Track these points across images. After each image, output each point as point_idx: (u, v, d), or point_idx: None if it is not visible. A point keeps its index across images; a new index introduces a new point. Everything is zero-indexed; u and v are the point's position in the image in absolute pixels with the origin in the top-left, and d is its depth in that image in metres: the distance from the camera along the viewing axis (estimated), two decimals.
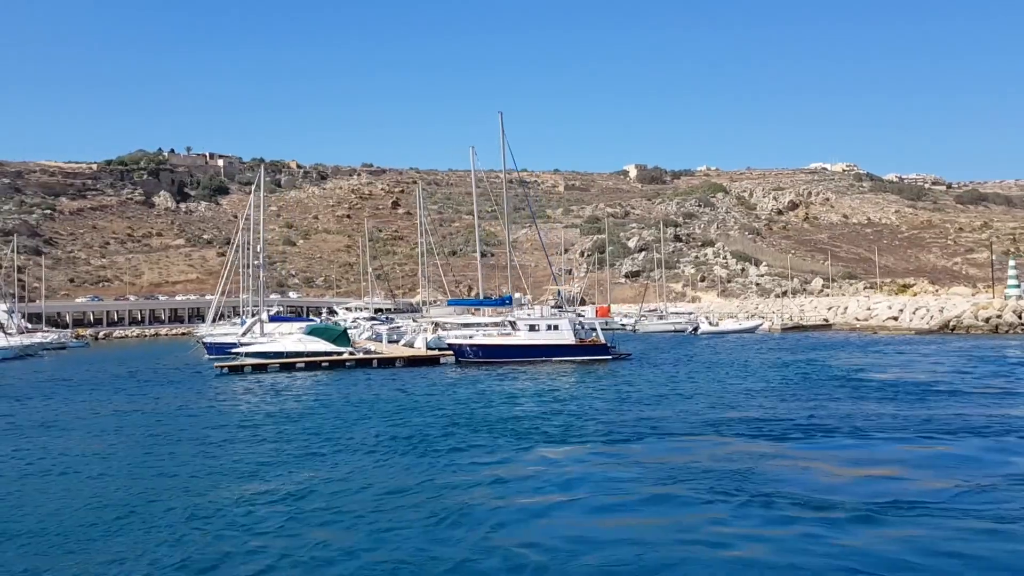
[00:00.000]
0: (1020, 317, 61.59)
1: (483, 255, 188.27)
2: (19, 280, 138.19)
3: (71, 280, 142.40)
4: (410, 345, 58.50)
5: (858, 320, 74.72)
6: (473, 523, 12.76)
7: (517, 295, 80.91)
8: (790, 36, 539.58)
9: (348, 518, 13.34)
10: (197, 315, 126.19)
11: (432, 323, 63.73)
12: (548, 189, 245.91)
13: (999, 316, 62.23)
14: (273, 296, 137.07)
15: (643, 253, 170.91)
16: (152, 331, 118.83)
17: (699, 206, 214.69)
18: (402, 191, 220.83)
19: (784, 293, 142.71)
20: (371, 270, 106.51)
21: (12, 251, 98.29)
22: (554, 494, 14.44)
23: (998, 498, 13.35)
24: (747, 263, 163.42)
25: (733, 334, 74.60)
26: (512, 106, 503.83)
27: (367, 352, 51.02)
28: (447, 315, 67.59)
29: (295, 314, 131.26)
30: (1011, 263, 71.73)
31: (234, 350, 48.98)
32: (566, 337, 46.58)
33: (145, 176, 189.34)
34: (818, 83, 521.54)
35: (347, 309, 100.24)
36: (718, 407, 25.12)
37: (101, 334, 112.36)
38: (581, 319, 50.53)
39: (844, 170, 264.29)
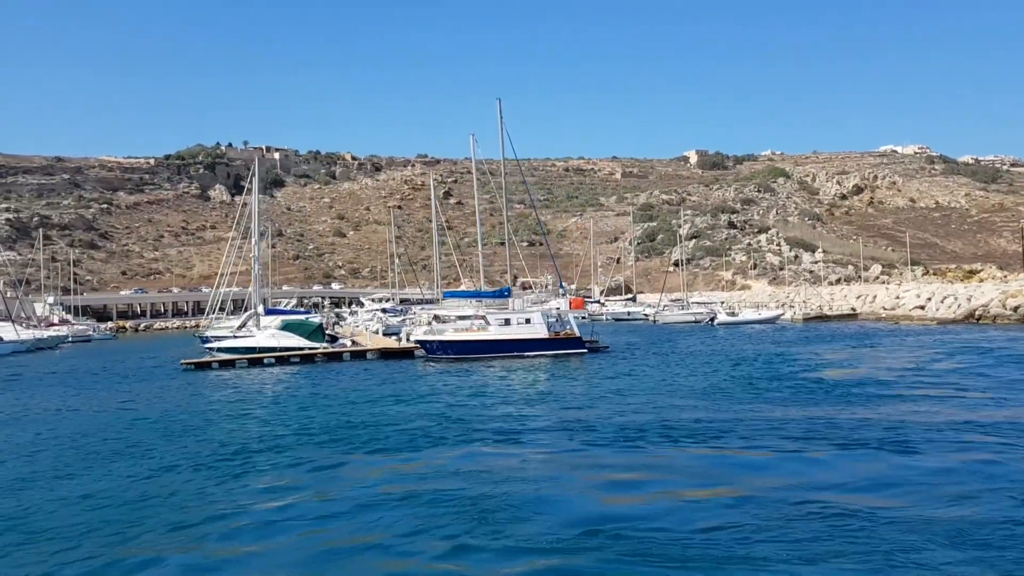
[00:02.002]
0: None
1: (530, 244, 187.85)
2: (73, 273, 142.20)
3: (123, 273, 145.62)
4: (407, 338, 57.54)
5: (885, 309, 71.07)
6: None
7: (528, 285, 79.54)
8: (864, 17, 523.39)
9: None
10: (242, 306, 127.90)
11: (434, 315, 62.71)
12: (604, 177, 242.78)
13: None
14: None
15: (694, 241, 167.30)
16: (193, 323, 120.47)
17: (758, 192, 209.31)
18: (455, 181, 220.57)
19: (838, 280, 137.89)
20: (397, 259, 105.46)
21: (38, 244, 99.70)
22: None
23: (689, 517, 11.64)
24: (802, 250, 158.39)
25: (751, 325, 71.74)
26: (569, 93, 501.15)
27: (344, 345, 50.20)
28: (452, 308, 66.44)
29: (335, 304, 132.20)
30: None
31: (207, 345, 48.63)
32: (539, 331, 44.93)
33: (201, 170, 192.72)
34: (887, 62, 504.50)
35: (372, 300, 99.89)
36: (625, 411, 23.24)
37: (142, 326, 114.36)
38: (558, 312, 48.75)
39: (916, 153, 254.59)
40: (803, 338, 53.73)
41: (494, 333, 45.09)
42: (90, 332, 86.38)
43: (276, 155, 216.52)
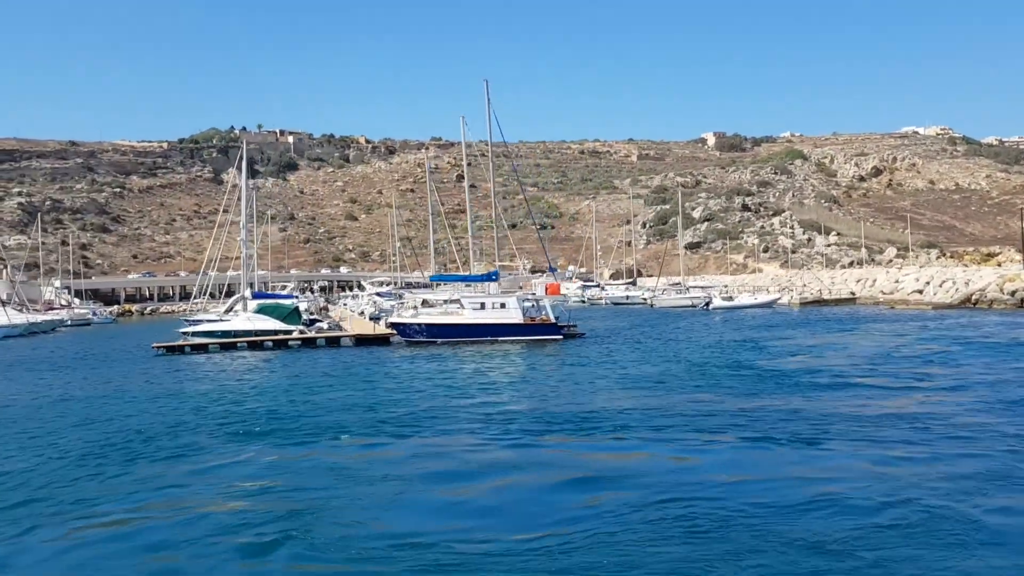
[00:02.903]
0: None
1: (543, 227, 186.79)
2: (83, 257, 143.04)
3: (134, 256, 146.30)
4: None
5: (883, 294, 69.67)
6: None
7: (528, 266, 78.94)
8: None
9: None
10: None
11: (422, 299, 62.27)
12: (620, 159, 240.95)
13: None
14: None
15: (706, 224, 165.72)
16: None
17: (775, 174, 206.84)
18: (469, 164, 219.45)
19: (850, 263, 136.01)
20: (400, 243, 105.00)
21: (36, 229, 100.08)
22: None
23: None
24: (815, 233, 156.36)
25: (747, 309, 70.72)
26: (583, 73, 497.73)
27: (322, 330, 49.83)
28: (441, 292, 65.94)
29: (342, 288, 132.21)
30: None
31: (182, 329, 48.41)
32: (513, 316, 44.32)
33: (215, 154, 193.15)
34: (909, 41, 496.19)
35: (372, 284, 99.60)
36: (558, 400, 22.60)
37: (148, 310, 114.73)
38: (533, 297, 48.02)
39: (938, 134, 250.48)
40: (791, 323, 52.78)
41: (468, 317, 44.55)
42: (89, 316, 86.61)
43: (290, 139, 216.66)
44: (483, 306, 44.88)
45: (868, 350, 32.83)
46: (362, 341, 46.80)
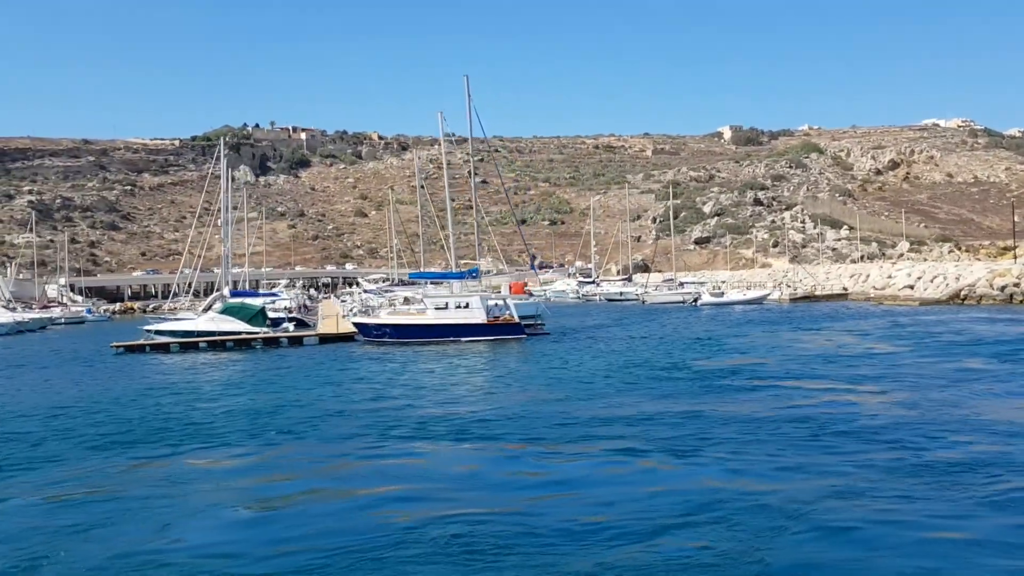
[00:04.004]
0: None
1: (552, 223, 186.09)
2: (91, 254, 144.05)
3: (142, 254, 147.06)
4: None
5: (875, 289, 68.33)
6: None
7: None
8: None
9: None
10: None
11: (403, 297, 61.85)
12: (635, 154, 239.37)
13: (1016, 284, 55.40)
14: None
15: (716, 218, 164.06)
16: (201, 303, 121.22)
17: (790, 167, 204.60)
18: (481, 159, 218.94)
19: (861, 258, 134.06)
20: (396, 241, 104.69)
21: (31, 227, 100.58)
22: None
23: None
24: (827, 227, 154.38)
25: (736, 305, 69.68)
26: (599, 67, 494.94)
27: (287, 330, 49.42)
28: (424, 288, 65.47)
29: (348, 284, 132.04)
30: None
31: (146, 328, 48.22)
32: (476, 316, 43.66)
33: (227, 151, 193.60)
34: (930, 31, 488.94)
35: (369, 281, 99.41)
36: (469, 403, 21.97)
37: (150, 307, 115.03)
38: (498, 295, 47.32)
39: (959, 126, 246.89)
40: (769, 319, 51.83)
41: (431, 317, 43.98)
42: (84, 313, 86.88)
43: (303, 135, 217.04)
44: (447, 306, 44.31)
45: (815, 350, 31.88)
46: (327, 340, 46.39)
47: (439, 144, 57.24)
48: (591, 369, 28.61)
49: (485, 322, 43.48)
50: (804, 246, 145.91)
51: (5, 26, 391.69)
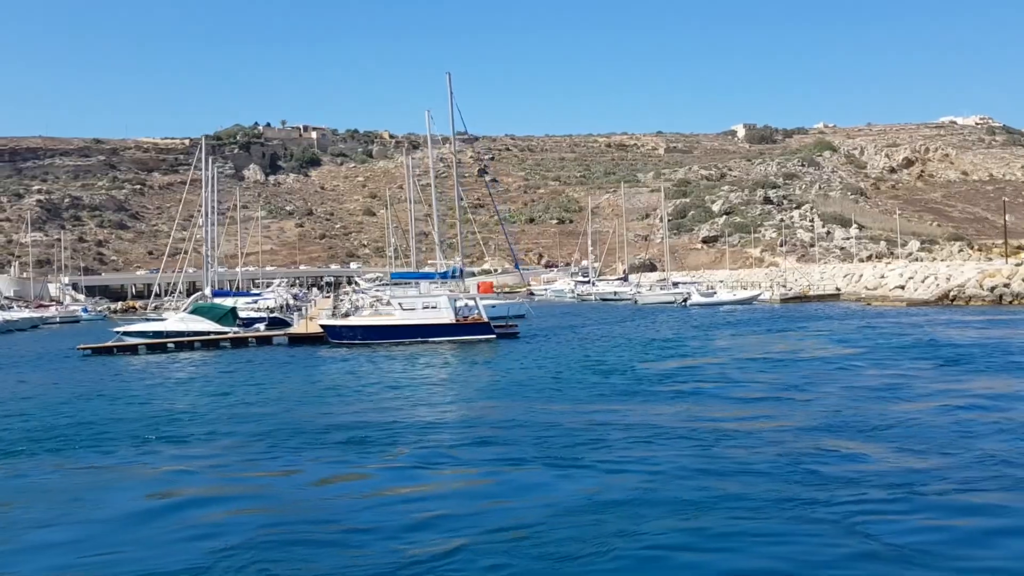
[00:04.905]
0: None
1: (561, 221, 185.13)
2: (99, 253, 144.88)
3: (149, 253, 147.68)
4: None
5: (867, 289, 67.25)
6: None
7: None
8: None
9: None
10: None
11: (373, 297, 61.87)
12: (647, 152, 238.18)
13: (1006, 285, 54.22)
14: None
15: (725, 217, 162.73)
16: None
17: (802, 166, 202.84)
18: (491, 158, 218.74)
19: (869, 257, 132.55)
20: (393, 240, 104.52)
21: (26, 227, 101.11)
22: None
23: None
24: (836, 226, 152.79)
25: (726, 305, 68.86)
26: (612, 65, 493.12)
27: (257, 330, 49.14)
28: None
29: (352, 282, 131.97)
30: None
31: (115, 329, 48.12)
32: (444, 316, 43.21)
33: (236, 150, 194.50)
34: (948, 25, 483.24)
35: (366, 280, 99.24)
36: (385, 411, 21.51)
37: (152, 306, 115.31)
38: (467, 295, 46.78)
39: (977, 123, 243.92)
40: (750, 320, 51.08)
41: (398, 318, 43.56)
42: (79, 312, 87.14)
43: (314, 134, 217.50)
44: (414, 306, 43.90)
45: (764, 353, 31.15)
46: (297, 341, 46.08)
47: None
48: (535, 373, 28.05)
49: (453, 322, 43.03)
50: (812, 245, 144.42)
51: (18, 27, 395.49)
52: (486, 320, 43.82)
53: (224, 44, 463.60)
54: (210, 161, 67.31)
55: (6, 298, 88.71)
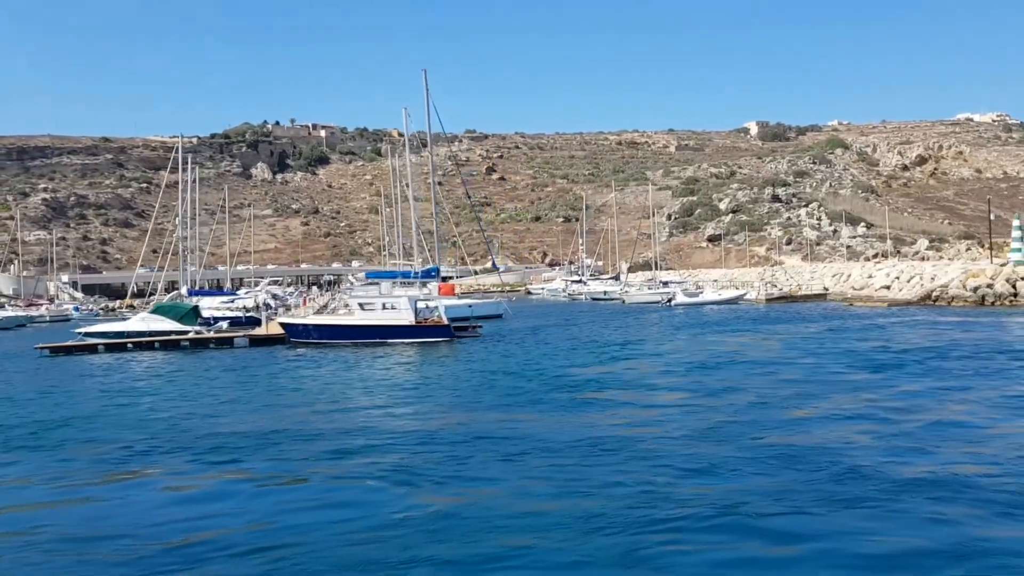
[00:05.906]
0: (1014, 287, 52.32)
1: (566, 220, 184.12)
2: (103, 252, 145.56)
3: (154, 251, 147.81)
4: None
5: (854, 289, 66.10)
6: None
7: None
8: None
9: None
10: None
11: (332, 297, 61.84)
12: (658, 150, 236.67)
13: (989, 286, 52.98)
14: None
15: (732, 215, 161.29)
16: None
17: (813, 163, 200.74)
18: (500, 156, 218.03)
19: (875, 255, 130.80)
20: (387, 239, 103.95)
21: (17, 225, 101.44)
22: None
23: None
24: (843, 224, 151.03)
25: (711, 305, 67.92)
26: (623, 63, 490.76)
27: (220, 329, 48.72)
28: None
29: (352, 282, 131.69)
30: (1015, 223, 61.22)
31: (77, 329, 47.91)
32: (404, 317, 42.64)
33: (244, 148, 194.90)
34: (963, 20, 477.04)
35: (356, 278, 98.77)
36: (266, 421, 21.02)
37: (146, 304, 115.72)
38: (427, 296, 46.21)
39: (994, 120, 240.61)
40: (723, 320, 50.25)
41: (357, 318, 43.07)
42: (70, 311, 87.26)
43: (323, 132, 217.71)
44: (374, 307, 43.39)
45: (709, 356, 30.37)
46: (258, 342, 45.64)
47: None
48: (466, 378, 27.41)
49: (412, 323, 42.48)
50: (818, 243, 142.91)
51: (26, 26, 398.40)
52: (446, 323, 43.25)
53: (237, 44, 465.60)
54: (188, 160, 67.06)
55: (3, 296, 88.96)
